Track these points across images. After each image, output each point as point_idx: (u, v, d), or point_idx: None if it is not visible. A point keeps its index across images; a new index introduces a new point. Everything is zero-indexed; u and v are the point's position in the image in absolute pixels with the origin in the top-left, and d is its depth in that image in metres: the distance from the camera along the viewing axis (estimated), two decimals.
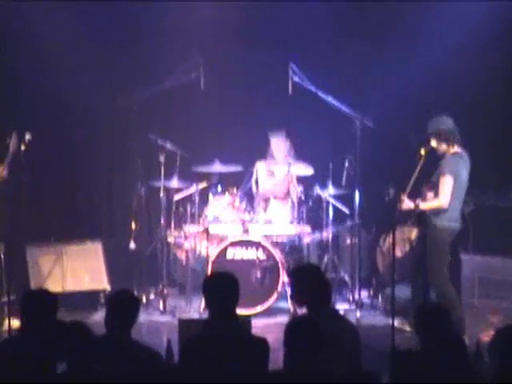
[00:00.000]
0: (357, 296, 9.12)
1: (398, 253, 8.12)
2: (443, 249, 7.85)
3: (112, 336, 4.97)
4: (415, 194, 7.81)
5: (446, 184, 7.67)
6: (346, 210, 9.36)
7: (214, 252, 8.97)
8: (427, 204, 7.74)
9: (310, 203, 9.38)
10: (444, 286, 7.87)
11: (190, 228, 9.35)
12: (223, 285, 5.16)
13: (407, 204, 7.69)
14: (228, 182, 9.54)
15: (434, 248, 7.79)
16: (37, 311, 5.04)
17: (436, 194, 7.76)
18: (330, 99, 9.02)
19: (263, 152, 9.83)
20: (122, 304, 5.08)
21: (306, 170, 9.44)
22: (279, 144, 9.67)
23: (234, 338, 4.97)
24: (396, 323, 7.83)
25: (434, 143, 7.79)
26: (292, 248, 9.43)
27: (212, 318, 5.11)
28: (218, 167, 9.44)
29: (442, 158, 7.84)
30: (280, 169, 9.59)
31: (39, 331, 4.97)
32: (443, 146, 7.82)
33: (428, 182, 7.90)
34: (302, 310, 5.53)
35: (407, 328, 7.86)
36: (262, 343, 5.01)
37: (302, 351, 4.42)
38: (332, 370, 4.53)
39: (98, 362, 4.57)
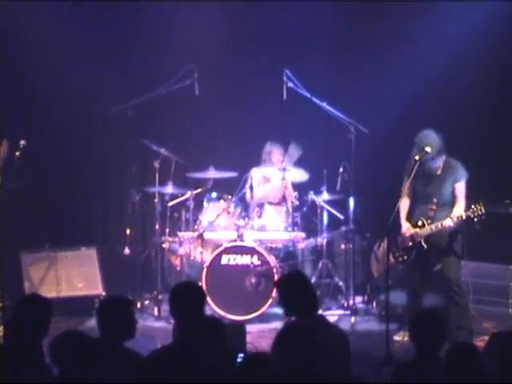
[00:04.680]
0: (351, 302, 9.13)
1: (392, 258, 8.09)
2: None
3: (102, 341, 4.95)
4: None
5: (464, 189, 7.90)
6: (340, 216, 9.37)
7: (208, 258, 8.97)
8: (459, 212, 7.78)
9: (305, 209, 9.40)
10: (464, 289, 8.08)
11: (184, 234, 9.37)
12: (191, 294, 5.13)
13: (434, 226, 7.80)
14: (223, 188, 9.55)
15: (458, 251, 7.92)
16: (31, 317, 5.01)
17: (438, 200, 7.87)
18: (324, 105, 9.03)
19: (258, 158, 9.83)
20: (115, 311, 5.07)
21: (302, 176, 9.43)
22: (279, 152, 9.68)
23: (203, 348, 4.89)
24: (396, 336, 7.86)
25: (428, 149, 7.78)
26: (286, 254, 9.43)
27: (180, 327, 5.06)
28: (212, 173, 9.46)
29: (436, 168, 7.88)
30: (275, 175, 9.58)
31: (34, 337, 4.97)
32: (439, 159, 7.86)
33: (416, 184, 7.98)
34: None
35: (405, 338, 7.79)
36: (226, 352, 4.98)
37: (294, 361, 4.37)
38: (323, 378, 4.50)
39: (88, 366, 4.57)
